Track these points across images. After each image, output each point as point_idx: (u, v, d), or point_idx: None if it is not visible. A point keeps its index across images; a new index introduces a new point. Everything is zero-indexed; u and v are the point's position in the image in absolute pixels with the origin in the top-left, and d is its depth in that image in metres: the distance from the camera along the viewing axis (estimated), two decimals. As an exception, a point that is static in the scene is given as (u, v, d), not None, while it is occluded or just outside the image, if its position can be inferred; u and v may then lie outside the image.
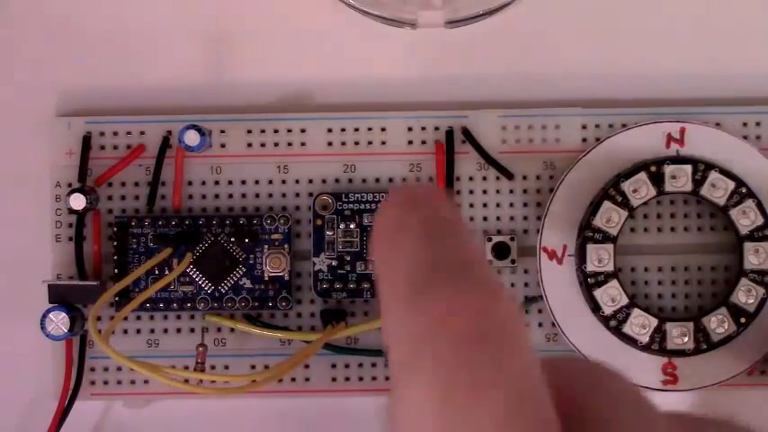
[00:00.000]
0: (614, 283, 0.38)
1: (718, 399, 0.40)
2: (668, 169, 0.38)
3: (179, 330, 0.40)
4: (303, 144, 0.40)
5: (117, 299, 0.39)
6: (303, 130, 0.40)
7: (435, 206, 0.25)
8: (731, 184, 0.38)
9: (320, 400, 0.40)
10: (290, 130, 0.40)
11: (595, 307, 0.38)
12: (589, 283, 0.38)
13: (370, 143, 0.39)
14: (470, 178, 0.39)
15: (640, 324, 0.38)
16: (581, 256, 0.38)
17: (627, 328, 0.38)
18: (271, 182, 0.40)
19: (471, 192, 0.39)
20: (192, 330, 0.39)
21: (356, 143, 0.39)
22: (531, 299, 0.39)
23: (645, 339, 0.38)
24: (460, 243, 0.24)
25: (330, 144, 0.40)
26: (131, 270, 0.39)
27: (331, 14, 0.40)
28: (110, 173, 0.39)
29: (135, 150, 0.39)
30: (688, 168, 0.38)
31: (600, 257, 0.38)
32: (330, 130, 0.39)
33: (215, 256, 0.39)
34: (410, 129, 0.39)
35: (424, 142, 0.39)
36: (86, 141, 0.39)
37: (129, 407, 0.40)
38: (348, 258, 0.39)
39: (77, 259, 0.39)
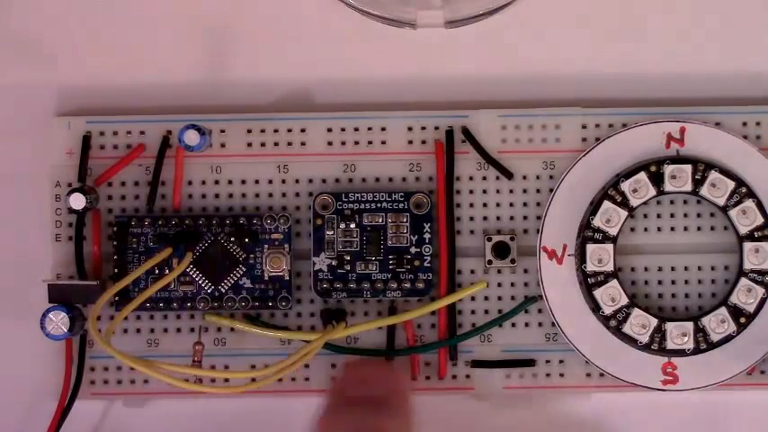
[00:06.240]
0: (614, 282, 0.38)
1: (718, 399, 0.40)
2: (668, 169, 0.38)
3: (179, 330, 0.39)
4: (303, 144, 0.40)
5: (117, 298, 0.39)
6: (303, 130, 0.40)
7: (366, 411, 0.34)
8: (731, 184, 0.38)
9: (320, 400, 0.40)
10: (290, 130, 0.40)
11: (595, 307, 0.38)
12: (589, 282, 0.38)
13: (370, 143, 0.40)
14: (470, 178, 0.39)
15: (640, 324, 0.38)
16: (581, 256, 0.38)
17: (627, 328, 0.38)
18: (271, 182, 0.40)
19: (471, 191, 0.39)
20: (192, 330, 0.39)
21: (356, 143, 0.39)
22: (530, 299, 0.39)
23: (645, 339, 0.38)
24: None
25: (330, 144, 0.40)
26: (131, 270, 0.38)
27: (331, 14, 0.40)
28: (110, 172, 0.39)
29: (135, 150, 0.39)
30: (688, 168, 0.38)
31: (600, 257, 0.38)
32: (330, 130, 0.39)
33: (215, 256, 0.39)
34: (410, 129, 0.39)
35: (424, 142, 0.39)
36: (86, 141, 0.39)
37: (129, 406, 0.40)
38: (348, 258, 0.39)
39: (77, 259, 0.39)
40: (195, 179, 0.40)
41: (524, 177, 0.39)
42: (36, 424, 0.40)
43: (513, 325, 0.39)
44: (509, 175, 0.39)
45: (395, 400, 0.36)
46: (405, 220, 0.39)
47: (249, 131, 0.40)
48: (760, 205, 0.38)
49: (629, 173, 0.38)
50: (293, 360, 0.37)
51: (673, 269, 0.39)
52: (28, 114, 0.41)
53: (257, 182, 0.40)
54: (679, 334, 0.38)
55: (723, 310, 0.38)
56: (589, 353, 0.39)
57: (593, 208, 0.38)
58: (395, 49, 0.40)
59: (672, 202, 0.39)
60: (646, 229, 0.39)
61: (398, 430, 0.35)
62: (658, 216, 0.39)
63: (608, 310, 0.38)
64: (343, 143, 0.40)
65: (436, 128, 0.39)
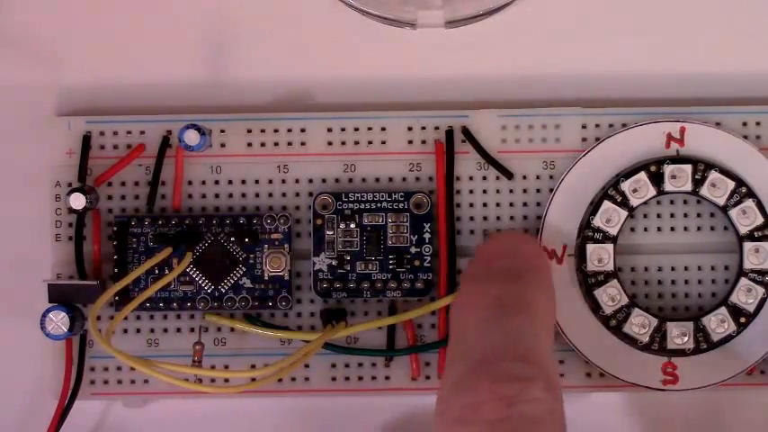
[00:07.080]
0: (614, 282, 0.38)
1: (718, 399, 0.40)
2: (668, 169, 0.38)
3: (179, 330, 0.40)
4: (303, 144, 0.40)
5: (117, 298, 0.39)
6: (303, 130, 0.40)
7: (510, 280, 0.34)
8: (731, 184, 0.38)
9: (320, 400, 0.40)
10: (290, 130, 0.40)
11: (595, 307, 0.38)
12: (589, 282, 0.38)
13: (370, 143, 0.40)
14: (470, 178, 0.39)
15: (640, 324, 0.38)
16: (581, 256, 0.38)
17: (627, 328, 0.38)
18: (271, 182, 0.40)
19: (471, 191, 0.39)
20: (192, 330, 0.39)
21: (356, 143, 0.40)
22: (531, 299, 0.39)
23: (645, 339, 0.38)
24: (520, 331, 0.33)
25: (330, 144, 0.40)
26: (131, 270, 0.38)
27: (331, 14, 0.40)
28: (110, 172, 0.39)
29: (135, 150, 0.39)
30: (688, 168, 0.38)
31: (600, 257, 0.38)
32: (330, 130, 0.39)
33: (215, 256, 0.39)
34: (410, 129, 0.39)
35: (424, 142, 0.39)
36: (86, 141, 0.39)
37: (129, 406, 0.40)
38: (348, 258, 0.39)
39: (77, 259, 0.39)
40: (195, 179, 0.40)
41: (524, 177, 0.39)
42: (36, 424, 0.40)
43: (513, 325, 0.39)
44: (509, 175, 0.39)
45: (538, 274, 0.36)
46: (405, 220, 0.39)
47: (249, 131, 0.40)
48: (760, 205, 0.38)
49: (629, 173, 0.38)
50: (293, 360, 0.37)
51: (673, 269, 0.39)
52: (28, 114, 0.41)
53: (257, 182, 0.40)
54: (679, 334, 0.38)
55: (723, 310, 0.38)
56: (589, 353, 0.39)
57: (594, 208, 0.38)
58: (395, 49, 0.40)
59: (672, 202, 0.39)
60: (646, 229, 0.39)
61: (542, 302, 0.35)
62: (658, 216, 0.39)
63: (608, 310, 0.38)
64: (343, 143, 0.40)
65: (436, 128, 0.39)
